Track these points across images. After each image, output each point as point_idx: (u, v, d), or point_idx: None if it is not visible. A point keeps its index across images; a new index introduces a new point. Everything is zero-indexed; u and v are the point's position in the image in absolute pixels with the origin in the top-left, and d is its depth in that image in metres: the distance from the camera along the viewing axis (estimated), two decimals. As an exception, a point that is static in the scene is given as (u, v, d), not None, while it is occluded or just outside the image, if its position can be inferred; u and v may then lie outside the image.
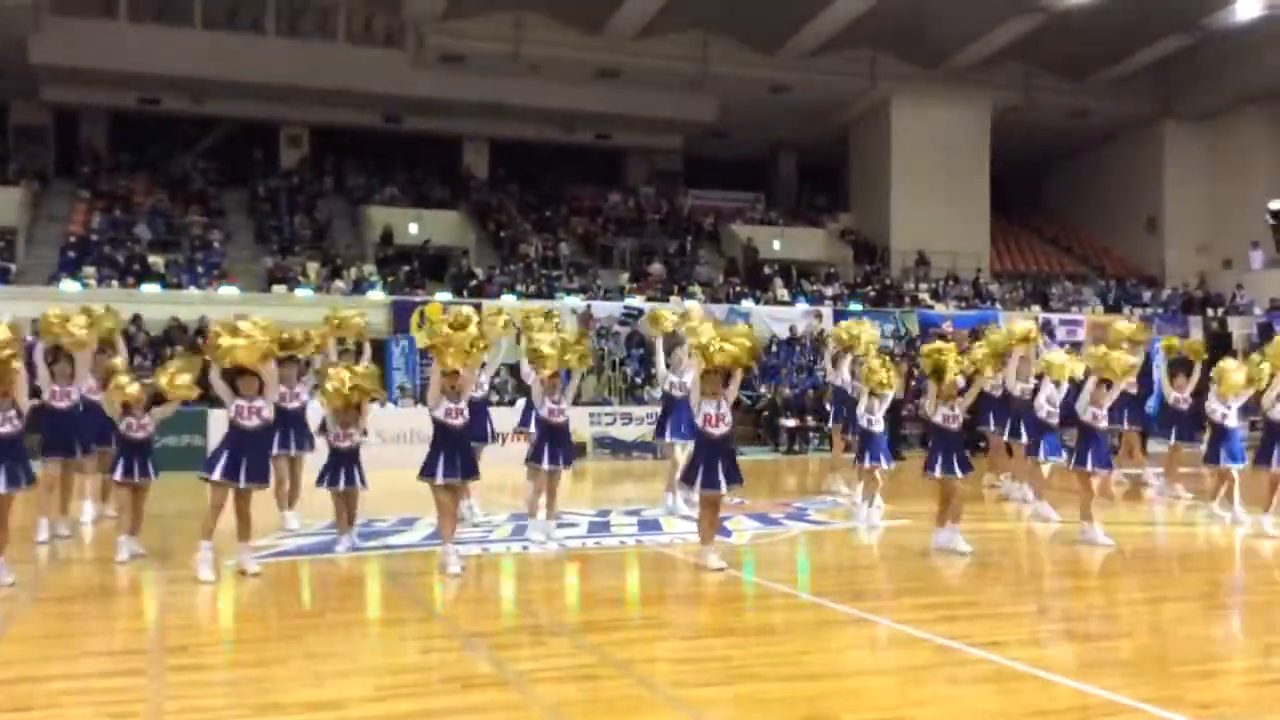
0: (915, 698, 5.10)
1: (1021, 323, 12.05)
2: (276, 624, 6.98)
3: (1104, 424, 9.59)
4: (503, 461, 13.04)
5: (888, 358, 11.70)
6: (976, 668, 5.57)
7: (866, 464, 10.52)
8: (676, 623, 6.88)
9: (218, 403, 8.77)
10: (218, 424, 14.89)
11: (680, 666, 5.70)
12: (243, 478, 7.89)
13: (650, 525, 10.73)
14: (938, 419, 8.97)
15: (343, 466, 8.99)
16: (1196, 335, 29.04)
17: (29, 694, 5.20)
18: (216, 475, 7.84)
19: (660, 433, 11.48)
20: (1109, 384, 9.57)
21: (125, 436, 8.77)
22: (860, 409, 10.53)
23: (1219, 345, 27.54)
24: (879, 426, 10.47)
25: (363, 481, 9.12)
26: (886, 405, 10.56)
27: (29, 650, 6.14)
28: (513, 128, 31.99)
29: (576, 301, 24.74)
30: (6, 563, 7.69)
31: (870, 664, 5.76)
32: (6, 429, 7.59)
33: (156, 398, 8.98)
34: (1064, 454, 10.53)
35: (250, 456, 7.94)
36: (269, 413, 8.10)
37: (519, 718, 4.78)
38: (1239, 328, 28.93)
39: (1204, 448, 11.17)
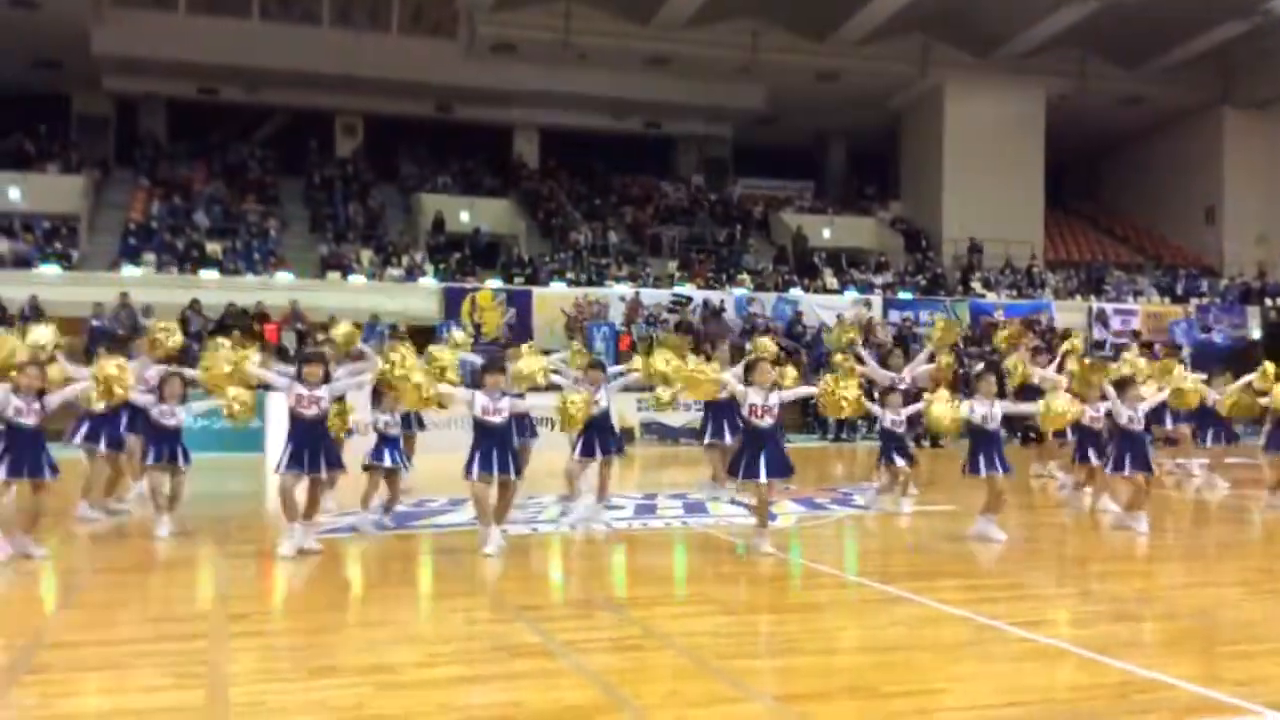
0: (955, 673, 5.18)
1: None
2: (332, 595, 7.19)
3: (1139, 427, 9.48)
4: (550, 446, 13.20)
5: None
6: (1017, 646, 5.63)
7: (899, 463, 10.59)
8: (720, 599, 6.98)
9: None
10: (276, 406, 15.23)
11: (723, 640, 5.82)
12: (306, 467, 8.06)
13: (696, 508, 10.85)
14: (976, 419, 8.94)
15: (391, 449, 9.22)
16: (1255, 326, 28.66)
17: (96, 656, 5.43)
18: (283, 469, 8.05)
19: (701, 435, 11.60)
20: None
21: (157, 424, 9.04)
22: (879, 410, 10.57)
23: (1278, 336, 27.14)
24: (901, 428, 10.54)
25: (404, 464, 9.37)
26: (906, 407, 10.63)
27: (94, 616, 6.39)
28: (563, 116, 32.20)
29: (625, 289, 24.90)
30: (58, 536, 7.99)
31: (911, 640, 5.83)
32: (30, 421, 7.85)
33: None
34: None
35: (312, 446, 8.08)
36: (327, 403, 8.27)
37: (564, 684, 4.92)
38: (1298, 318, 28.44)
39: (1263, 438, 11.21)
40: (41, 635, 5.86)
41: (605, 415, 9.69)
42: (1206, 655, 5.45)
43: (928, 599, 6.60)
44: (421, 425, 11.30)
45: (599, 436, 9.60)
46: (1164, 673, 5.00)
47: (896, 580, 7.26)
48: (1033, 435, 15.63)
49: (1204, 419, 12.76)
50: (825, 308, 25.64)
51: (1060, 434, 11.96)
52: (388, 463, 9.19)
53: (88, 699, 4.71)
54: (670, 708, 4.54)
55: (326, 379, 8.26)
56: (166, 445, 9.01)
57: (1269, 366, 11.57)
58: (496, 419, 8.21)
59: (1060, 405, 9.28)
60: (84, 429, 9.93)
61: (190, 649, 5.59)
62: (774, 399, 8.26)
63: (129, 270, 22.74)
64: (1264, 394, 11.35)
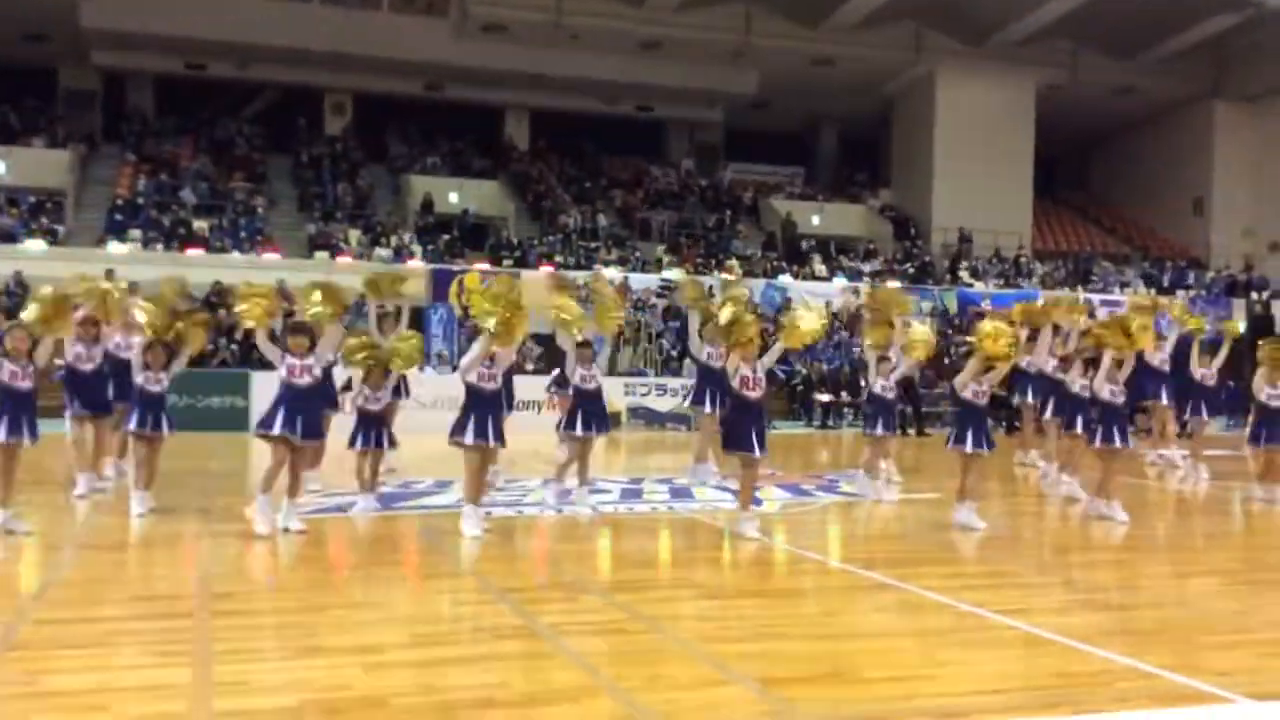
0: (938, 659, 5.20)
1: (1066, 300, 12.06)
2: (318, 575, 7.19)
3: (1121, 400, 9.53)
4: (536, 429, 13.24)
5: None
6: (999, 633, 5.67)
7: (879, 431, 10.58)
8: (705, 584, 7.00)
9: (261, 364, 8.94)
10: (260, 385, 15.25)
11: (707, 624, 5.84)
12: (300, 432, 8.07)
13: (682, 493, 10.87)
14: (967, 394, 8.98)
15: (370, 428, 9.22)
16: (1240, 319, 28.78)
17: (81, 634, 5.42)
18: (276, 429, 8.01)
19: (699, 400, 11.59)
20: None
21: (142, 390, 9.02)
22: (872, 376, 10.60)
23: (1262, 329, 27.25)
24: (891, 393, 10.55)
25: (388, 443, 9.38)
26: (898, 373, 10.66)
27: (78, 594, 6.38)
28: (554, 98, 32.08)
29: (614, 273, 24.86)
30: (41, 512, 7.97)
31: (894, 627, 5.86)
32: (25, 384, 7.85)
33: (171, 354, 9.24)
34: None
35: (305, 413, 8.12)
36: (319, 370, 8.27)
37: (549, 666, 4.93)
38: (1283, 311, 28.58)
39: (1248, 430, 11.25)
40: (24, 612, 5.84)
41: (598, 393, 9.70)
42: (1187, 645, 5.49)
43: (911, 586, 6.63)
44: (407, 393, 11.26)
45: (593, 413, 9.62)
46: (1144, 661, 5.03)
47: (880, 567, 7.30)
48: (1016, 425, 15.73)
49: (1187, 392, 12.82)
50: (814, 294, 25.63)
51: (1040, 412, 12.01)
52: (359, 446, 9.22)
53: (71, 676, 4.69)
54: (654, 690, 4.56)
55: (313, 347, 8.27)
56: (150, 412, 9.00)
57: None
58: (491, 385, 8.25)
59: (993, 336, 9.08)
60: (77, 401, 9.91)
61: (174, 627, 5.57)
62: (760, 370, 8.29)
63: (115, 247, 22.60)
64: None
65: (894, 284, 24.89)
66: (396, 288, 10.78)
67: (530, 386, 15.11)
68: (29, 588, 6.80)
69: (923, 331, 10.71)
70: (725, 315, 9.16)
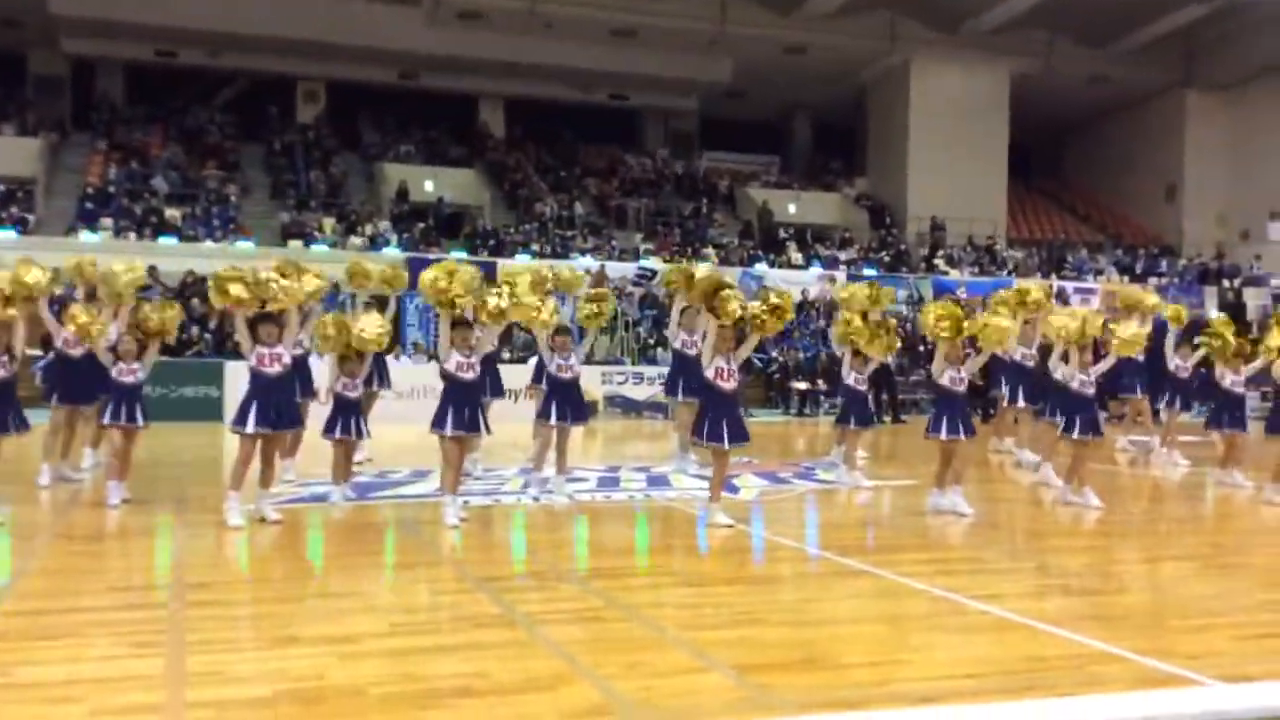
0: (913, 644, 5.24)
1: (1033, 288, 12.02)
2: (294, 565, 7.17)
3: (1091, 390, 9.58)
4: (514, 418, 13.21)
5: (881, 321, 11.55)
6: (973, 618, 5.70)
7: (852, 425, 10.66)
8: (683, 571, 7.03)
9: (235, 354, 8.89)
10: (234, 375, 15.16)
11: (685, 611, 5.85)
12: (275, 424, 8.02)
13: (659, 481, 10.88)
14: (944, 381, 9.02)
15: (347, 416, 9.18)
16: (1211, 306, 29.08)
17: (55, 624, 5.37)
18: (250, 428, 7.96)
19: (672, 390, 11.58)
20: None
21: (116, 381, 8.96)
22: (845, 369, 10.65)
23: (1233, 317, 27.54)
24: (864, 385, 10.59)
25: (362, 432, 9.34)
26: (871, 366, 10.72)
27: (53, 584, 6.32)
28: (529, 87, 31.99)
29: (590, 261, 24.83)
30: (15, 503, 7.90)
31: (870, 612, 5.90)
32: (1, 374, 7.77)
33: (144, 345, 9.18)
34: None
35: (278, 403, 8.07)
36: (289, 358, 8.22)
37: (527, 655, 4.93)
38: (1254, 299, 28.87)
39: (1208, 414, 11.35)
40: (-3, 603, 5.80)
41: (574, 383, 9.67)
42: (1159, 629, 5.55)
43: (887, 572, 6.67)
44: (388, 383, 11.20)
45: (568, 403, 9.59)
46: (1117, 645, 5.08)
47: (856, 553, 7.34)
48: (991, 411, 15.82)
49: (1161, 384, 12.91)
50: (790, 283, 25.66)
51: (1012, 400, 12.06)
52: (337, 434, 9.18)
53: (44, 668, 4.66)
54: (633, 678, 4.57)
55: (281, 336, 8.22)
56: (125, 403, 8.94)
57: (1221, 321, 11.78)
58: (469, 375, 8.20)
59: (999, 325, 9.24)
60: (61, 391, 9.80)
61: (149, 618, 5.54)
62: (734, 362, 8.30)
63: (86, 236, 22.39)
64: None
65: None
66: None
67: (508, 375, 15.08)
68: (3, 578, 6.74)
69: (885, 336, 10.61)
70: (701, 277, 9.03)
